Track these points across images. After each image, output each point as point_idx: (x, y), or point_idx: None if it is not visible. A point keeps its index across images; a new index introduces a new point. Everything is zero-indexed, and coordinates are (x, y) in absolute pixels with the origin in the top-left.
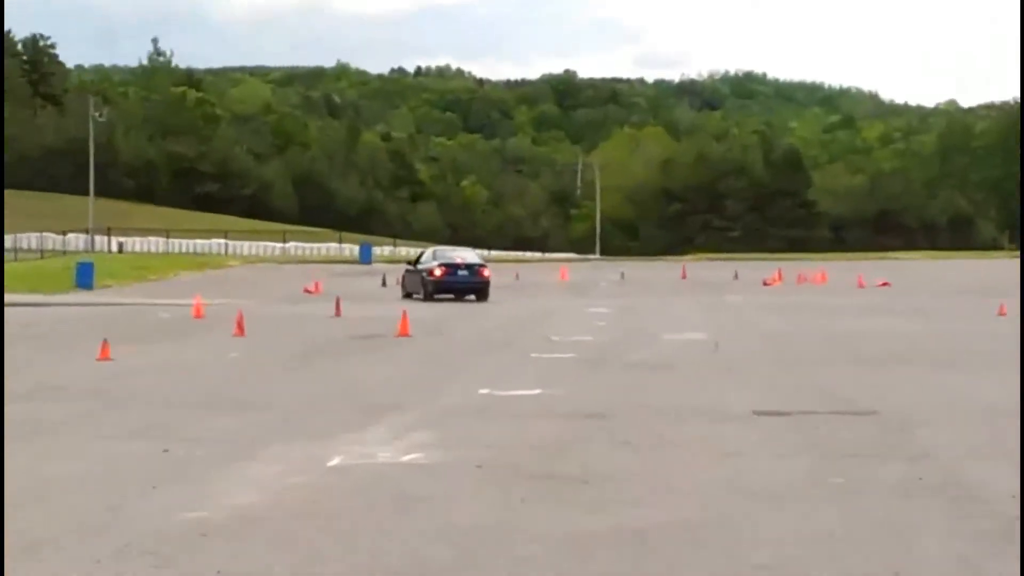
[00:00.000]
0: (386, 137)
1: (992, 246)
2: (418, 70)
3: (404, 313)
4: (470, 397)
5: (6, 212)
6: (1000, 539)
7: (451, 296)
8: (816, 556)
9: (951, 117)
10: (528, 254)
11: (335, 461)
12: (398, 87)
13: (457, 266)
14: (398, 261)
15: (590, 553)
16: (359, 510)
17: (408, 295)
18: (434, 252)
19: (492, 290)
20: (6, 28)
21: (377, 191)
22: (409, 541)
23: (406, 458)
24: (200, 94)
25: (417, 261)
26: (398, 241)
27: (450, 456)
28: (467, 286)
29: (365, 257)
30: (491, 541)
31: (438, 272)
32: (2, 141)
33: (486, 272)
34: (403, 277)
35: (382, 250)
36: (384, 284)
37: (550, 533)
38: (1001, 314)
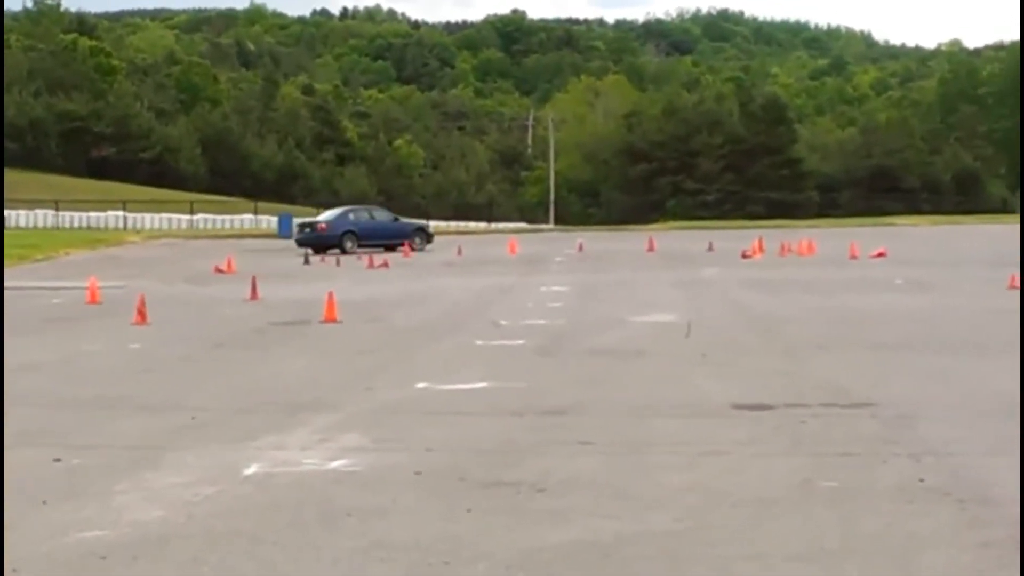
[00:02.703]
0: (308, 90)
1: (1002, 208)
2: (344, 12)
3: (330, 295)
4: (406, 392)
5: None
6: (1013, 548)
7: None
8: (806, 573)
9: (955, 60)
10: (472, 224)
11: (252, 469)
12: (321, 32)
13: None
14: None
15: (547, 571)
16: (280, 526)
17: None
18: None
19: (428, 266)
20: None
21: (298, 153)
22: (339, 561)
23: (334, 464)
24: (94, 42)
25: None
26: (323, 211)
27: (384, 461)
28: None
29: (285, 229)
30: (433, 559)
31: None
32: (2, 124)
33: None
34: None
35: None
36: (307, 262)
37: (501, 549)
38: (1013, 287)
